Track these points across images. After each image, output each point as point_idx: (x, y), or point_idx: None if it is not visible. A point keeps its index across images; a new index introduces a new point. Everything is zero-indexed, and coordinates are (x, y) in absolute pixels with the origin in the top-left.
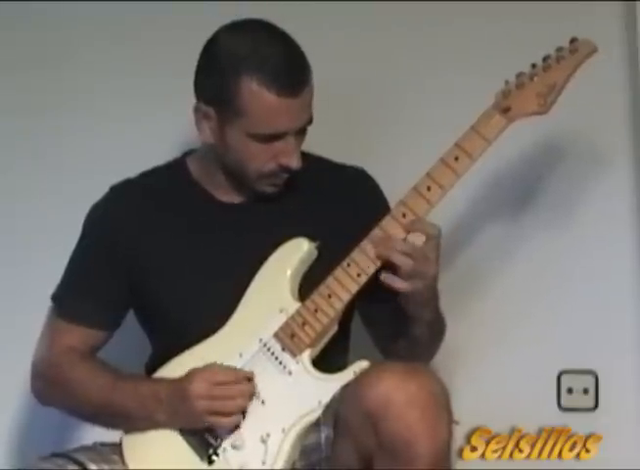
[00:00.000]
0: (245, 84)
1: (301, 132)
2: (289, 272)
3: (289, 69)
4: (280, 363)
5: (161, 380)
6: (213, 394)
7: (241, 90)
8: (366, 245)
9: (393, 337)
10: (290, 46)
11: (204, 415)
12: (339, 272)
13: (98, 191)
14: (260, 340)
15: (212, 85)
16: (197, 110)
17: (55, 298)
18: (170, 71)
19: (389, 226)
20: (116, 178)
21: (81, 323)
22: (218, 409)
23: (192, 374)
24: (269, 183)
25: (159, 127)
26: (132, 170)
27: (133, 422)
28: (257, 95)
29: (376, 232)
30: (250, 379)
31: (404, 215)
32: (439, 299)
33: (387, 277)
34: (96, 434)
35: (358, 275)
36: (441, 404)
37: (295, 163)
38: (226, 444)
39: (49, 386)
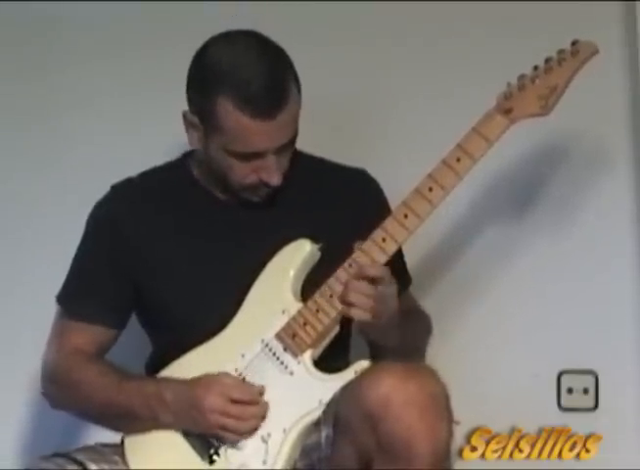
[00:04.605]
0: (221, 103)
1: (284, 148)
2: (291, 273)
3: (266, 91)
4: (281, 363)
5: (167, 380)
6: (228, 411)
7: (218, 108)
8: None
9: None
10: (275, 65)
11: (214, 428)
12: (340, 273)
13: (99, 191)
14: (262, 340)
15: (196, 97)
16: (185, 117)
17: (60, 298)
18: (170, 72)
19: (391, 227)
20: (117, 178)
21: (90, 321)
22: (230, 427)
23: (207, 385)
24: (253, 194)
25: (159, 127)
26: (132, 170)
27: (138, 423)
28: (232, 115)
29: (378, 233)
30: (261, 394)
31: (406, 216)
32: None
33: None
34: (100, 435)
35: None
36: (441, 404)
37: (275, 180)
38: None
39: (59, 389)
